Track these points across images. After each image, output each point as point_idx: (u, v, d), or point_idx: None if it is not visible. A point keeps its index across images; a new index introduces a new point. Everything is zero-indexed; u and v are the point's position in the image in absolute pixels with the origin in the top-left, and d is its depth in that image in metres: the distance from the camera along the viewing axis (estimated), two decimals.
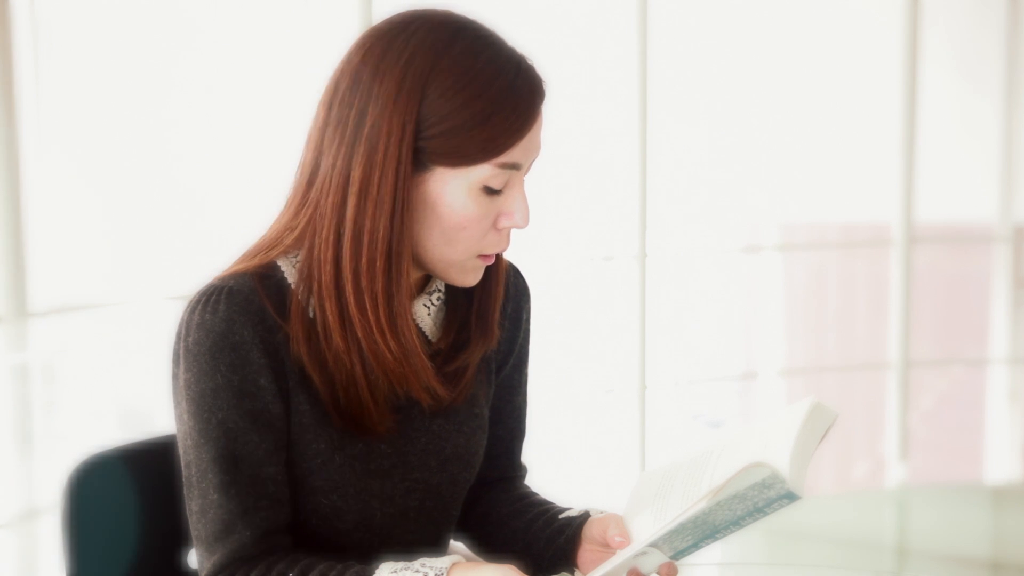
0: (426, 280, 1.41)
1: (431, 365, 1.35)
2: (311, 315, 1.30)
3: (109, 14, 3.31)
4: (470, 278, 1.35)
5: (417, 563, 1.25)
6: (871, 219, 5.07)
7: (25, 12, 2.92)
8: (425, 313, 1.40)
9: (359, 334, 1.28)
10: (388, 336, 1.29)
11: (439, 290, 1.42)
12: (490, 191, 1.29)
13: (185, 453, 1.30)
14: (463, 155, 1.26)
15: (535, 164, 1.35)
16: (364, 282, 1.27)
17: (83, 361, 3.39)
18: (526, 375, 1.57)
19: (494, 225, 1.31)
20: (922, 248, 4.89)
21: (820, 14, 5.01)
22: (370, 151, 1.26)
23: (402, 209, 1.26)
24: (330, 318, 1.28)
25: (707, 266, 5.11)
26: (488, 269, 1.40)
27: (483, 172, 1.27)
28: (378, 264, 1.27)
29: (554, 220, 4.35)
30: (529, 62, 1.30)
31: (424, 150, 1.26)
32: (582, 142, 4.40)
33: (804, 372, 5.38)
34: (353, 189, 1.26)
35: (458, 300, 1.42)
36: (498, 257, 1.40)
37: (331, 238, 1.28)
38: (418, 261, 1.33)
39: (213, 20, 3.45)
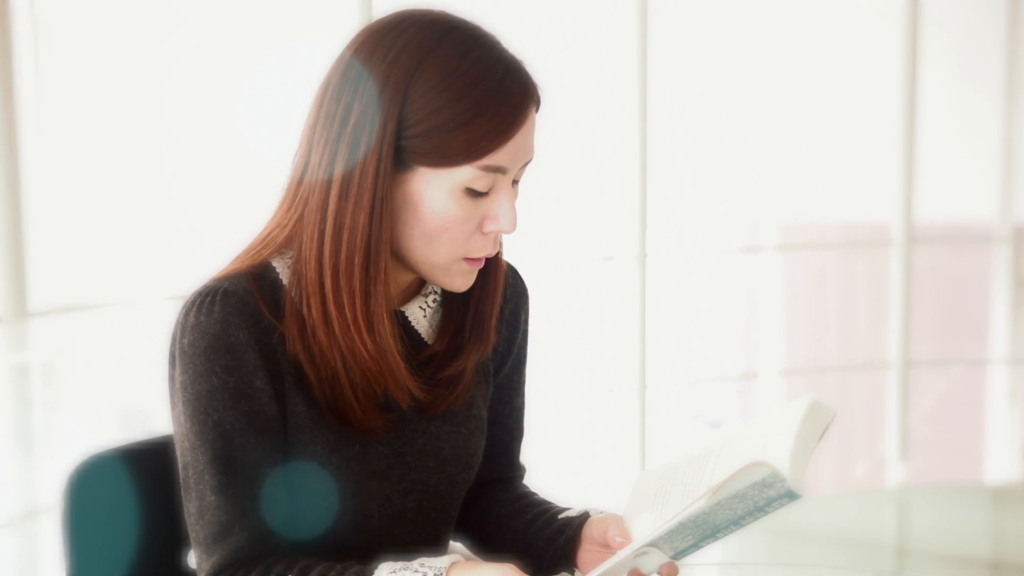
0: (422, 282, 1.41)
1: (420, 367, 1.35)
2: (304, 316, 1.30)
3: (109, 14, 3.31)
4: (457, 282, 1.34)
5: (416, 563, 1.25)
6: (871, 219, 5.07)
7: (25, 12, 2.92)
8: (421, 315, 1.39)
9: (337, 331, 1.28)
10: (364, 333, 1.28)
11: (435, 292, 1.41)
12: (474, 194, 1.28)
13: (182, 455, 1.30)
14: (444, 156, 1.25)
15: (533, 165, 1.34)
16: (342, 279, 1.27)
17: (83, 361, 3.39)
18: (525, 376, 1.56)
19: (479, 229, 1.30)
20: (922, 248, 4.89)
21: (820, 14, 5.01)
22: (352, 148, 1.26)
23: (381, 207, 1.26)
24: (315, 314, 1.29)
25: (707, 266, 5.11)
26: (487, 273, 1.39)
27: (465, 174, 1.26)
28: (356, 261, 1.27)
29: (554, 220, 4.35)
30: (521, 65, 1.29)
31: (406, 149, 1.26)
32: (582, 142, 4.40)
33: (804, 372, 5.37)
34: (335, 186, 1.26)
35: (455, 303, 1.41)
36: (497, 261, 1.40)
37: (315, 235, 1.28)
38: (404, 262, 1.33)
39: (213, 19, 3.45)
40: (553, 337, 4.42)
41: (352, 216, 1.26)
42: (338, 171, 1.26)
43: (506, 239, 1.40)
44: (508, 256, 1.47)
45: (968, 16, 5.05)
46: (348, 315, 1.28)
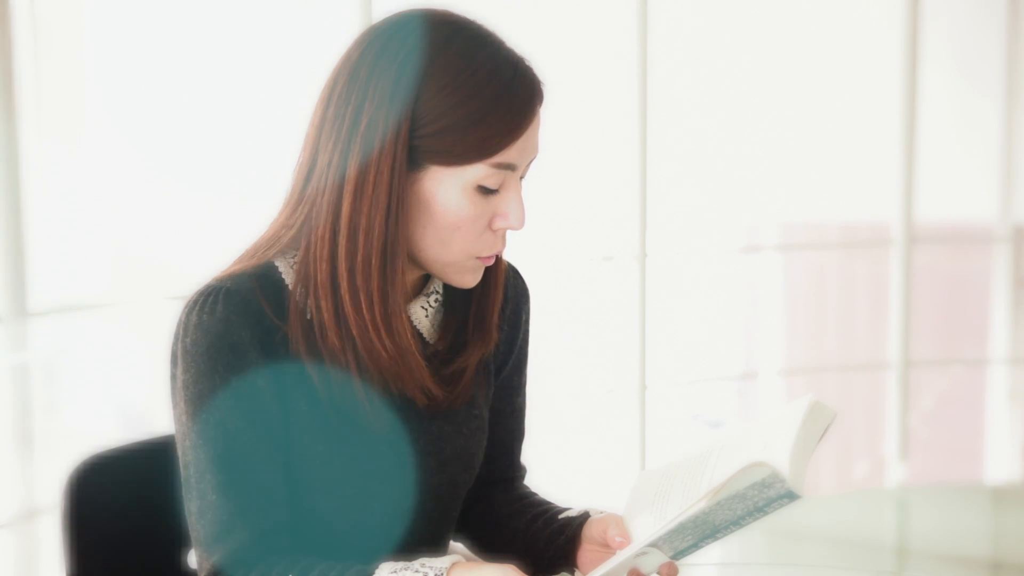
0: (423, 282, 1.41)
1: (426, 364, 1.35)
2: (308, 316, 1.30)
3: (109, 14, 3.31)
4: (468, 279, 1.35)
5: (417, 563, 1.25)
6: (871, 219, 5.07)
7: (25, 12, 2.92)
8: (423, 315, 1.39)
9: (354, 332, 1.28)
10: (383, 334, 1.29)
11: (437, 292, 1.42)
12: (485, 191, 1.29)
13: (183, 454, 1.30)
14: (457, 154, 1.26)
15: (533, 165, 1.35)
16: (359, 280, 1.27)
17: (83, 361, 3.39)
18: (525, 376, 1.56)
19: (489, 226, 1.31)
20: (922, 248, 4.89)
21: (820, 14, 5.01)
22: (365, 149, 1.26)
23: (397, 207, 1.27)
24: (326, 316, 1.29)
25: (707, 266, 5.11)
26: (487, 272, 1.40)
27: (478, 172, 1.27)
28: (373, 262, 1.27)
29: (554, 220, 4.35)
30: (527, 63, 1.30)
31: (419, 148, 1.26)
32: (582, 142, 4.40)
33: (804, 372, 5.37)
34: (348, 187, 1.26)
35: (456, 302, 1.42)
36: (497, 260, 1.40)
37: (327, 236, 1.28)
38: (415, 260, 1.33)
39: (213, 19, 3.45)
40: (553, 337, 4.42)
41: (368, 217, 1.26)
42: (351, 172, 1.26)
43: (507, 238, 1.40)
44: (508, 256, 1.47)
45: (968, 16, 5.04)
46: (366, 316, 1.28)
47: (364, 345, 1.29)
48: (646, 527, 1.30)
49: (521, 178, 1.33)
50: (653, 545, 1.24)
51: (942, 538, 4.20)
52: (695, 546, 1.27)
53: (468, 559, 1.31)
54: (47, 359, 3.13)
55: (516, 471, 1.58)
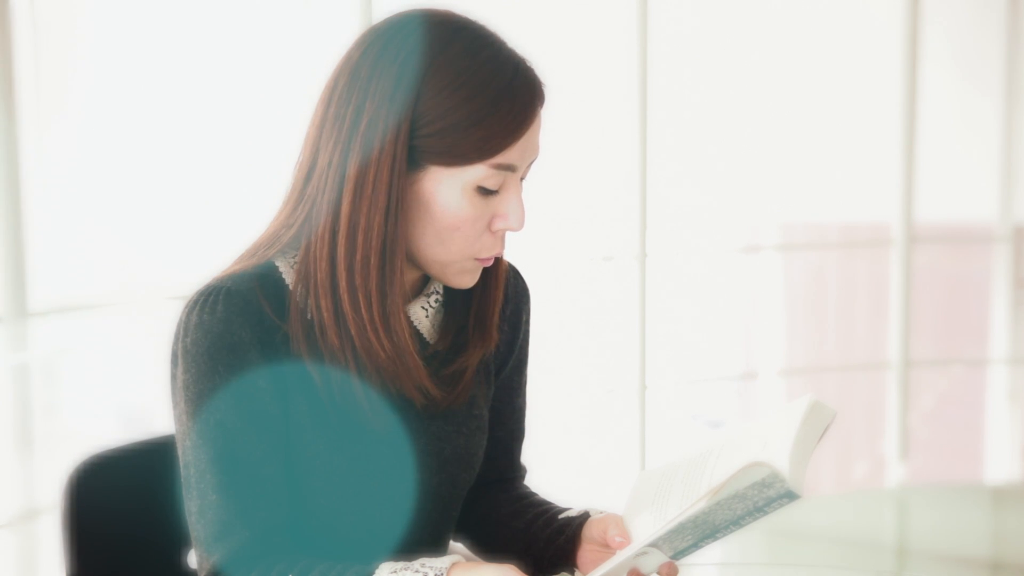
0: (424, 282, 1.41)
1: (423, 365, 1.35)
2: (308, 315, 1.30)
3: (109, 14, 3.31)
4: (466, 280, 1.35)
5: (417, 563, 1.25)
6: (871, 219, 5.07)
7: (25, 12, 2.92)
8: (423, 315, 1.40)
9: (352, 331, 1.29)
10: (381, 334, 1.29)
11: (437, 292, 1.42)
12: (485, 192, 1.29)
13: (184, 453, 1.30)
14: (457, 155, 1.26)
15: (534, 165, 1.35)
16: (358, 280, 1.28)
17: (83, 361, 3.39)
18: (526, 376, 1.57)
19: (488, 227, 1.31)
20: (922, 248, 4.89)
21: (820, 14, 5.01)
22: (366, 148, 1.26)
23: (396, 207, 1.27)
24: (325, 315, 1.29)
25: (707, 266, 5.11)
26: (487, 272, 1.40)
27: (478, 172, 1.27)
28: (372, 261, 1.27)
29: (554, 220, 4.35)
30: (528, 64, 1.30)
31: (419, 149, 1.26)
32: (582, 142, 4.40)
33: (804, 372, 5.37)
34: (348, 186, 1.27)
35: (456, 303, 1.42)
36: (497, 260, 1.40)
37: (326, 235, 1.28)
38: (413, 261, 1.33)
39: (213, 19, 3.45)
40: (553, 337, 4.42)
41: (367, 216, 1.26)
42: (351, 171, 1.26)
43: (507, 239, 1.40)
44: (508, 256, 1.47)
45: (968, 16, 5.05)
46: (364, 316, 1.28)
47: (362, 344, 1.29)
48: (646, 527, 1.30)
49: (521, 179, 1.33)
50: (653, 545, 1.24)
51: (942, 538, 4.20)
52: (695, 546, 1.27)
53: (468, 559, 1.31)
54: (47, 359, 3.12)
55: (516, 471, 1.58)
